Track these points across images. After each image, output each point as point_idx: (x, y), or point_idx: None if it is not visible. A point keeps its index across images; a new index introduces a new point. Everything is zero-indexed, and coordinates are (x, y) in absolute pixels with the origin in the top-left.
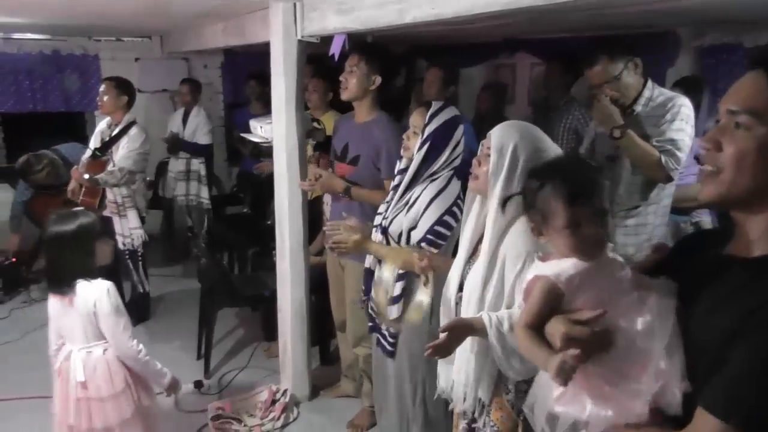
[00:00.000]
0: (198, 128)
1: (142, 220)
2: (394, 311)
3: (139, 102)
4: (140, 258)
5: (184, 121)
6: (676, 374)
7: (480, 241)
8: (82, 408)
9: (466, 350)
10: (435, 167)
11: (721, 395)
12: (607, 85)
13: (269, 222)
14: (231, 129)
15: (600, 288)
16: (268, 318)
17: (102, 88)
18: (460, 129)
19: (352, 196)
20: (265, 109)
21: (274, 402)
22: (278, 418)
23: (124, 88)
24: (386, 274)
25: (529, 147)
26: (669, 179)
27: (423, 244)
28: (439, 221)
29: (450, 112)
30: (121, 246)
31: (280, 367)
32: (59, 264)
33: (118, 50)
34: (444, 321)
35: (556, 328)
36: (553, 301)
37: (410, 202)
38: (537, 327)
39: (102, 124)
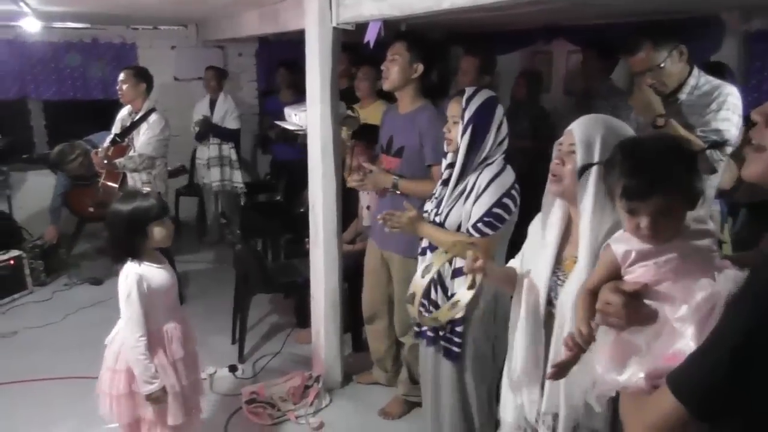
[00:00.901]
0: (227, 114)
1: None
2: (457, 284)
3: (174, 89)
4: None
5: (212, 108)
6: None
7: (562, 249)
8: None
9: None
10: (484, 152)
11: (677, 369)
12: (649, 74)
13: (302, 210)
14: (263, 116)
15: (655, 268)
16: (301, 305)
17: (121, 77)
18: (500, 108)
19: (400, 190)
20: (295, 97)
21: (306, 388)
22: (311, 404)
23: (141, 76)
24: (435, 264)
25: (617, 138)
26: (713, 171)
27: (480, 225)
28: (498, 203)
29: (485, 94)
30: None
31: (312, 353)
32: (113, 241)
33: (155, 38)
34: (530, 336)
35: (602, 294)
36: (612, 271)
37: (466, 191)
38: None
39: (123, 111)
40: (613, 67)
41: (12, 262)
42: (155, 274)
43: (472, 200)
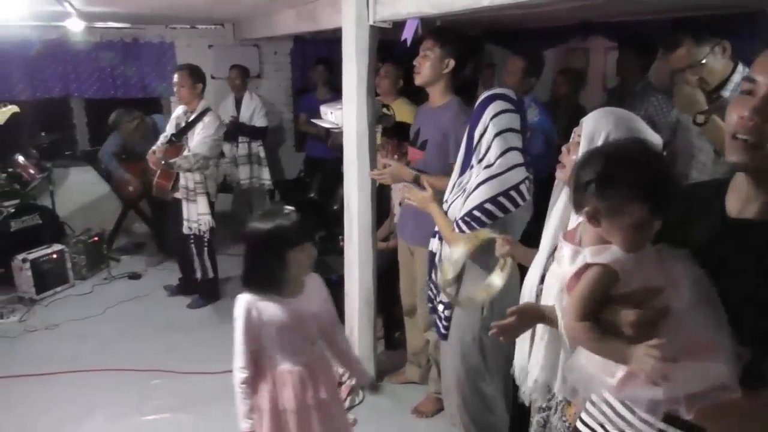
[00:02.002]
0: (255, 112)
1: (212, 205)
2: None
3: (211, 88)
4: (206, 244)
5: (237, 107)
6: (727, 339)
7: (564, 231)
8: None
9: (538, 340)
10: (480, 153)
11: None
12: (689, 70)
13: (335, 207)
14: (298, 114)
15: (645, 273)
16: (335, 302)
17: (176, 78)
18: (497, 104)
19: (420, 185)
20: (331, 94)
21: (340, 384)
22: (344, 401)
23: (197, 76)
24: (456, 253)
25: (624, 134)
26: None
27: (467, 219)
28: (492, 200)
29: (486, 93)
30: (186, 231)
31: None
32: (247, 264)
33: (192, 37)
34: None
35: (623, 316)
36: (608, 289)
37: (464, 186)
38: (593, 317)
39: (178, 110)
40: (650, 65)
41: (55, 256)
42: (271, 307)
43: (464, 197)
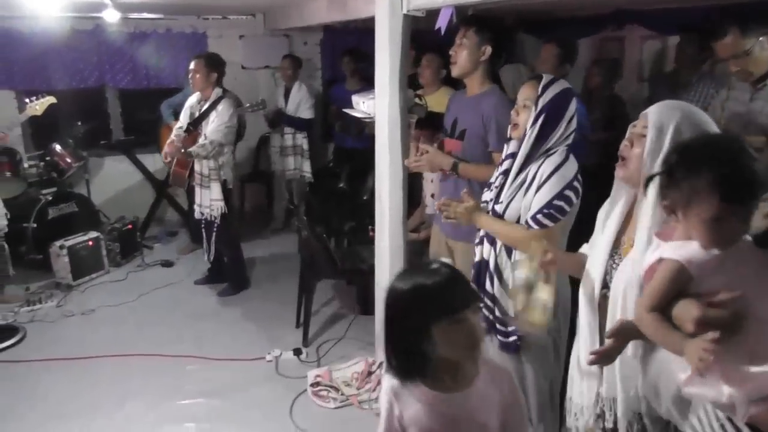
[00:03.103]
0: (301, 103)
1: (228, 192)
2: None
3: (243, 78)
4: (215, 229)
5: (286, 96)
6: None
7: (623, 232)
8: None
9: (624, 358)
10: (550, 143)
11: None
12: (732, 60)
13: (366, 197)
14: (328, 104)
15: (731, 274)
16: (364, 292)
17: (192, 65)
18: (574, 102)
19: (459, 173)
20: (361, 85)
21: (370, 374)
22: (374, 390)
23: (213, 65)
24: (524, 272)
25: (692, 127)
26: None
27: (539, 217)
28: (559, 195)
29: (562, 84)
30: (198, 215)
31: (376, 339)
32: (386, 337)
33: (224, 28)
34: (587, 319)
35: (686, 311)
36: (681, 285)
37: (527, 182)
38: (662, 310)
39: (192, 99)
40: (709, 54)
41: (90, 243)
42: (416, 404)
43: (533, 191)
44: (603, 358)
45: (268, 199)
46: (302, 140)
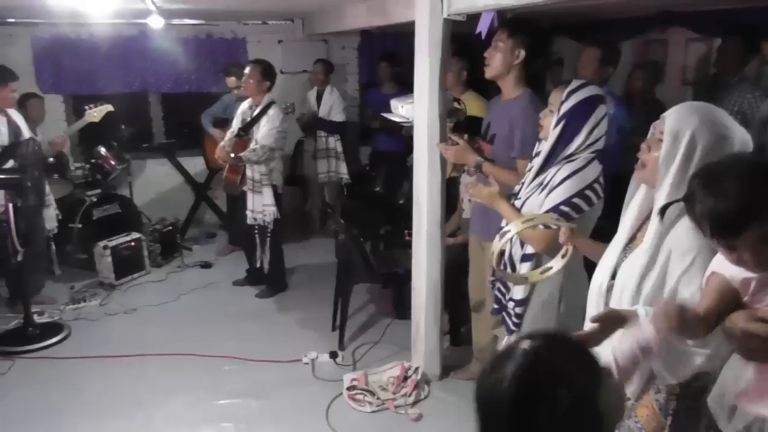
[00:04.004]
0: (333, 107)
1: (278, 197)
2: (524, 268)
3: (281, 82)
4: (269, 234)
5: (318, 100)
6: None
7: (639, 229)
8: None
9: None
10: (571, 149)
11: None
12: None
13: (402, 201)
14: (364, 108)
15: None
16: (400, 296)
17: (247, 70)
18: (601, 109)
19: (482, 171)
20: (397, 89)
21: (406, 378)
22: (409, 395)
23: (268, 74)
24: (508, 228)
25: (710, 134)
26: None
27: (552, 214)
28: (579, 194)
29: (590, 91)
30: (251, 221)
31: (412, 344)
32: None
33: (263, 33)
34: (592, 307)
35: (736, 322)
36: (727, 299)
37: (544, 183)
38: (713, 323)
39: (244, 105)
40: (751, 57)
41: (133, 243)
42: None
43: (545, 194)
44: (586, 341)
45: (304, 202)
46: (335, 143)
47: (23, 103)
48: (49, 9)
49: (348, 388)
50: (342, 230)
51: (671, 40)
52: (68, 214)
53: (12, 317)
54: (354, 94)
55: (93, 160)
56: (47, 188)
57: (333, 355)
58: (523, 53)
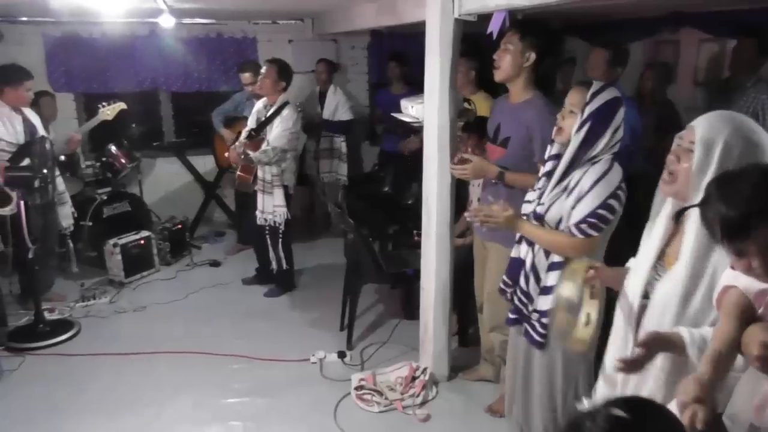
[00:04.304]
0: (339, 106)
1: (289, 198)
2: (551, 277)
3: (292, 82)
4: (281, 235)
5: (321, 101)
6: None
7: (668, 244)
8: None
9: (654, 369)
10: (595, 151)
11: None
12: None
13: (410, 201)
14: (373, 108)
15: None
16: (409, 296)
17: (264, 69)
18: (621, 112)
19: (505, 182)
20: (407, 89)
21: (414, 379)
22: (418, 395)
23: (284, 74)
24: (567, 292)
25: (743, 142)
26: None
27: (584, 226)
28: (603, 204)
29: (612, 93)
30: (261, 222)
31: (420, 345)
32: None
33: (273, 32)
34: (620, 327)
35: (753, 336)
36: (746, 314)
37: (570, 187)
38: (735, 339)
39: (259, 104)
40: (766, 59)
41: (142, 241)
42: None
43: (574, 198)
44: (630, 366)
45: (310, 202)
46: (340, 143)
47: (36, 101)
48: (61, 8)
49: (356, 388)
50: (351, 230)
51: (683, 40)
52: (79, 211)
53: (23, 314)
54: (363, 93)
55: (103, 159)
56: (63, 186)
57: (341, 354)
58: (533, 56)
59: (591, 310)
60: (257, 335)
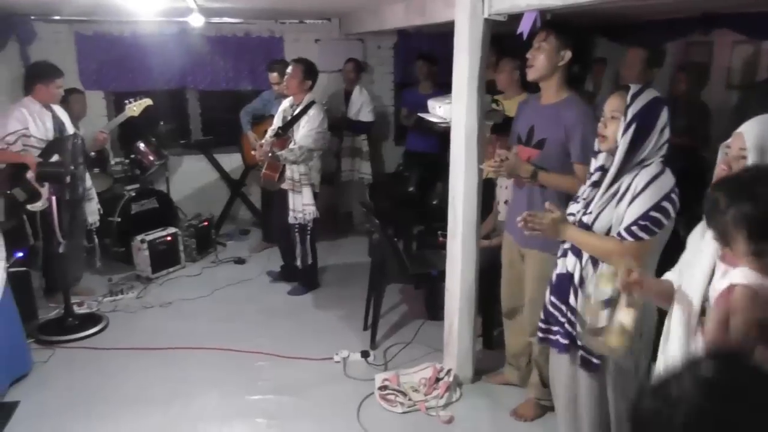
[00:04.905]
0: (363, 106)
1: (316, 196)
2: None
3: (318, 81)
4: (309, 232)
5: (347, 100)
6: None
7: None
8: None
9: None
10: (644, 153)
11: None
12: None
13: (434, 202)
14: (399, 108)
15: None
16: (432, 297)
17: (290, 69)
18: (666, 111)
19: (538, 181)
20: (434, 89)
21: (438, 380)
22: (441, 397)
23: (310, 73)
24: (602, 284)
25: None
26: None
27: (635, 229)
28: (657, 207)
29: (652, 93)
30: (292, 220)
31: (444, 346)
32: None
33: (300, 32)
34: (679, 332)
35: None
36: (763, 308)
37: (620, 192)
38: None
39: (285, 103)
40: None
41: (169, 238)
42: None
43: (626, 202)
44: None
45: (334, 200)
46: (361, 143)
47: (66, 99)
48: (95, 7)
49: (379, 388)
50: (377, 230)
51: (716, 41)
52: (107, 207)
53: (53, 307)
54: (388, 93)
55: (132, 156)
56: (90, 182)
57: (365, 354)
58: (568, 54)
59: (625, 319)
60: (281, 333)
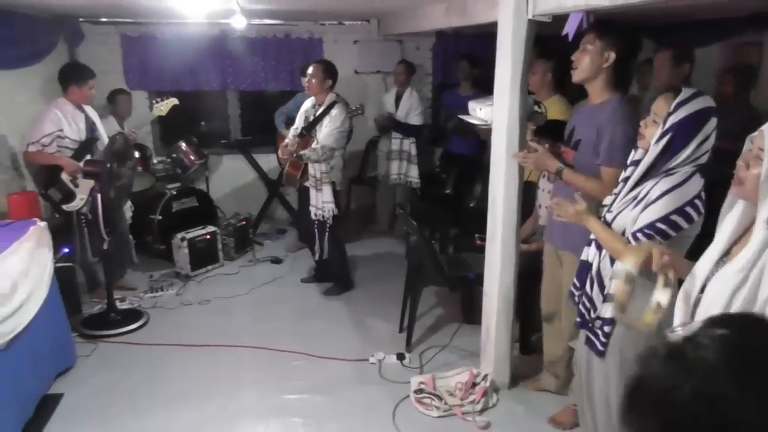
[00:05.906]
0: (411, 109)
1: (337, 194)
2: (607, 310)
3: (354, 82)
4: (328, 229)
5: (397, 102)
6: None
7: (736, 243)
8: None
9: None
10: (674, 162)
11: None
12: None
13: (471, 204)
14: (438, 110)
15: None
16: (469, 300)
17: (310, 70)
18: (712, 122)
19: (562, 178)
20: (474, 91)
21: (474, 385)
22: (478, 402)
23: (330, 72)
24: (629, 264)
25: None
26: None
27: (639, 236)
28: (664, 219)
29: (702, 103)
30: (312, 216)
31: (481, 350)
32: None
33: (339, 33)
34: (678, 319)
35: None
36: None
37: (639, 197)
38: None
39: (307, 104)
40: None
41: (208, 236)
42: None
43: (640, 208)
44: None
45: (373, 202)
46: (410, 146)
47: (113, 99)
48: (146, 9)
49: (415, 391)
50: (414, 232)
51: (766, 42)
52: (149, 205)
53: (96, 302)
54: (427, 95)
55: (174, 155)
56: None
57: (400, 356)
58: (612, 55)
59: (662, 298)
60: (316, 333)
